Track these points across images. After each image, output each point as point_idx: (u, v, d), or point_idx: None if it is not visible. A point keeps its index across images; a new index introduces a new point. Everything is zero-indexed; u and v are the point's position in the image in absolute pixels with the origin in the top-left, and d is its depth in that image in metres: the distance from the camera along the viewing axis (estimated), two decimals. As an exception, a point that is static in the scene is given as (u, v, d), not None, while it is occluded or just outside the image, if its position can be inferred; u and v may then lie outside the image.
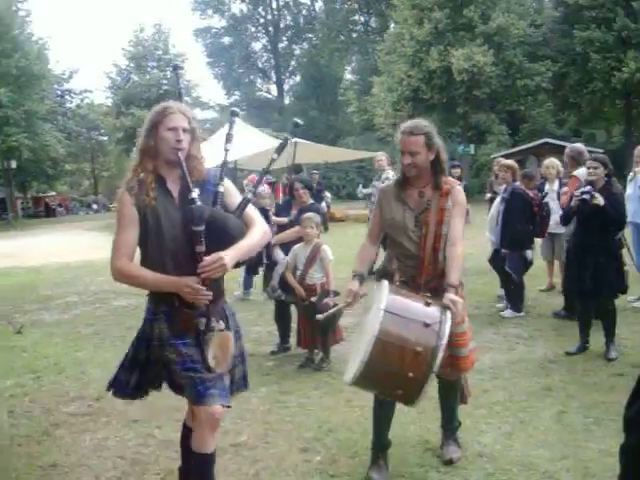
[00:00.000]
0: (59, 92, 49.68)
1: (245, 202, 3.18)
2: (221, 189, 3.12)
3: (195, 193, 2.98)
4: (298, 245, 5.98)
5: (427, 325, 3.19)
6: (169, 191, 3.10)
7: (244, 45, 58.36)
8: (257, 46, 60.71)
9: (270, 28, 59.52)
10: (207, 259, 2.91)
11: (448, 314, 3.30)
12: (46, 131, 41.66)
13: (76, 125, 47.94)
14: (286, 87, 60.72)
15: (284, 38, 60.04)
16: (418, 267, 3.64)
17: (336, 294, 5.70)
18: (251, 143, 22.75)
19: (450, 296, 3.39)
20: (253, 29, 60.25)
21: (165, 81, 48.57)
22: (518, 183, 7.64)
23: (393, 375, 3.16)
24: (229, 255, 2.97)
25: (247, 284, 9.69)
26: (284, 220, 7.20)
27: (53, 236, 25.94)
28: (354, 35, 52.77)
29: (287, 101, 58.53)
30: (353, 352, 3.54)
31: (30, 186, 49.01)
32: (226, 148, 3.32)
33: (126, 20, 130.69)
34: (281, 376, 5.73)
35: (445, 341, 3.18)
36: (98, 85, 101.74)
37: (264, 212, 6.83)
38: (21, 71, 39.47)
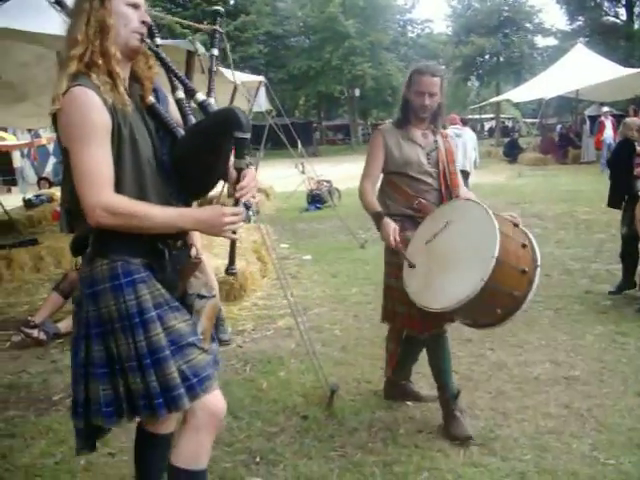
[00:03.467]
0: (401, 22, 51.11)
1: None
2: (201, 98, 2.28)
3: (152, 98, 2.26)
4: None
5: (524, 246, 3.12)
6: (129, 94, 2.20)
7: (594, -35, 53.77)
8: (609, -35, 55.57)
9: (627, -56, 53.98)
10: (246, 178, 2.14)
11: (530, 235, 3.24)
12: (389, 60, 43.48)
13: (416, 54, 49.02)
14: (637, 10, 54.95)
15: (642, -46, 54.04)
16: (441, 202, 3.61)
17: None
18: (595, 72, 21.33)
19: (503, 214, 3.31)
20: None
21: (506, 7, 47.19)
22: None
23: (512, 273, 3.00)
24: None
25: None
26: None
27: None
28: None
29: (637, 26, 53.07)
30: (438, 279, 3.19)
31: (370, 113, 51.75)
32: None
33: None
34: (619, 316, 5.49)
35: (533, 238, 3.20)
36: (438, 14, 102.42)
37: (631, 144, 6.29)
38: (367, 3, 41.51)
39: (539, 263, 3.10)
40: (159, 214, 2.08)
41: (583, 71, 21.33)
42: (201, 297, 2.31)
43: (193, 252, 2.43)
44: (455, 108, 62.73)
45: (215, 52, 2.34)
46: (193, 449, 2.24)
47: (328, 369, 4.35)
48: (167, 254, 2.21)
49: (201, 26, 4.82)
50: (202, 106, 2.21)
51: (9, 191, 23.03)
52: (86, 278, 2.18)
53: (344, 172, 21.85)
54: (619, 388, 4.06)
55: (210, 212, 2.12)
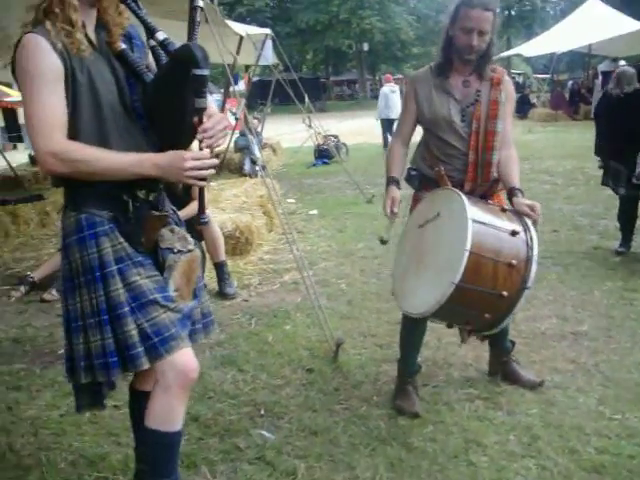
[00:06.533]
0: (412, -26, 50.14)
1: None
2: (162, 36, 2.08)
3: (123, 45, 2.17)
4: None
5: (515, 233, 2.71)
6: (91, 41, 2.11)
7: None
8: None
9: None
10: (211, 120, 2.06)
11: (528, 220, 2.81)
12: (398, 14, 42.79)
13: (425, 8, 48.18)
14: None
15: None
16: (467, 169, 3.10)
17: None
18: (609, 26, 20.91)
19: (523, 200, 2.89)
20: None
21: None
22: None
23: (484, 297, 2.65)
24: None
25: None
26: None
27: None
28: None
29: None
30: (412, 275, 2.95)
31: (379, 68, 51.09)
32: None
33: None
34: (628, 273, 5.44)
35: (537, 251, 2.71)
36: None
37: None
38: (377, -46, 40.72)
39: (529, 284, 2.69)
40: (113, 159, 2.01)
41: (596, 25, 20.91)
42: (175, 252, 2.20)
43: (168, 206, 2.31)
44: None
45: (200, 3, 2.27)
46: (164, 410, 2.17)
47: (334, 323, 4.34)
48: (131, 205, 2.13)
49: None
50: (163, 45, 2.09)
51: (15, 147, 22.93)
52: (61, 231, 2.17)
53: (352, 127, 21.79)
54: (626, 344, 4.03)
55: (170, 157, 2.03)
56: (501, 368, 3.63)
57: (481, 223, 2.67)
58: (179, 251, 2.20)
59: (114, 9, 2.16)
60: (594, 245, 6.36)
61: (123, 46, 2.18)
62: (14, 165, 12.41)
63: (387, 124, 15.27)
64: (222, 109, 12.99)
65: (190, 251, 2.24)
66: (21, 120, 24.87)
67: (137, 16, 2.14)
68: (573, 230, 7.00)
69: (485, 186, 3.18)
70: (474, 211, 2.69)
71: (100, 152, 2.00)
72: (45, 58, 1.95)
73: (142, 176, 2.05)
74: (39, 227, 8.24)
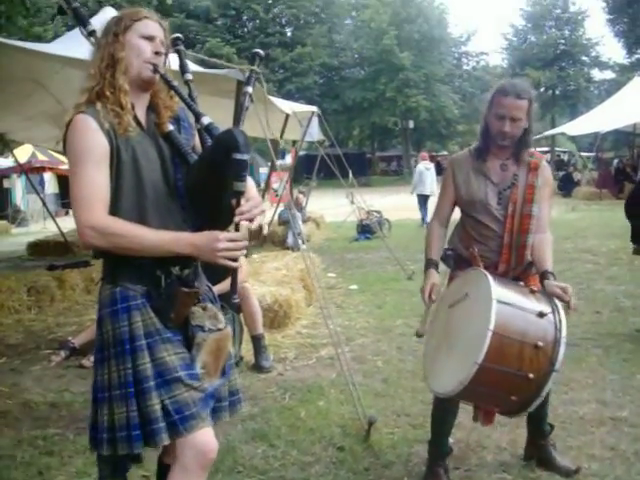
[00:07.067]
0: (456, 55, 51.07)
1: None
2: (207, 121, 2.21)
3: (171, 126, 2.29)
4: None
5: (542, 315, 2.71)
6: (139, 122, 2.25)
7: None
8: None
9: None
10: (248, 203, 2.08)
11: (558, 302, 2.81)
12: (443, 93, 43.61)
13: (471, 87, 48.91)
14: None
15: None
16: (501, 251, 3.15)
17: None
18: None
19: (555, 283, 2.90)
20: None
21: (562, 41, 47.01)
22: None
23: (509, 378, 2.65)
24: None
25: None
26: None
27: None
28: None
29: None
30: (441, 355, 2.98)
31: (424, 145, 51.66)
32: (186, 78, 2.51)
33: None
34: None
35: (565, 333, 2.69)
36: (494, 47, 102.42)
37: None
38: (422, 35, 42.00)
39: (557, 367, 2.67)
40: (150, 236, 2.07)
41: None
42: (205, 330, 2.22)
43: (201, 284, 2.34)
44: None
45: (249, 90, 2.37)
46: None
47: (368, 401, 4.30)
48: (163, 281, 2.18)
49: (239, 67, 4.98)
50: (208, 129, 2.19)
51: (67, 214, 23.61)
52: (98, 302, 2.25)
53: (395, 203, 21.91)
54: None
55: (205, 237, 2.07)
56: (537, 452, 3.53)
57: (506, 304, 2.70)
58: (209, 329, 2.23)
59: (165, 93, 2.31)
60: (637, 328, 6.20)
61: (171, 127, 2.30)
62: (65, 231, 12.82)
63: (422, 200, 16.00)
64: (267, 182, 13.32)
65: (220, 330, 2.26)
66: (74, 188, 25.70)
67: (184, 101, 2.29)
68: (615, 312, 6.87)
69: (519, 269, 3.21)
70: (499, 292, 2.72)
71: (138, 229, 2.08)
72: (92, 137, 2.09)
73: (178, 254, 2.11)
74: (84, 293, 8.42)
